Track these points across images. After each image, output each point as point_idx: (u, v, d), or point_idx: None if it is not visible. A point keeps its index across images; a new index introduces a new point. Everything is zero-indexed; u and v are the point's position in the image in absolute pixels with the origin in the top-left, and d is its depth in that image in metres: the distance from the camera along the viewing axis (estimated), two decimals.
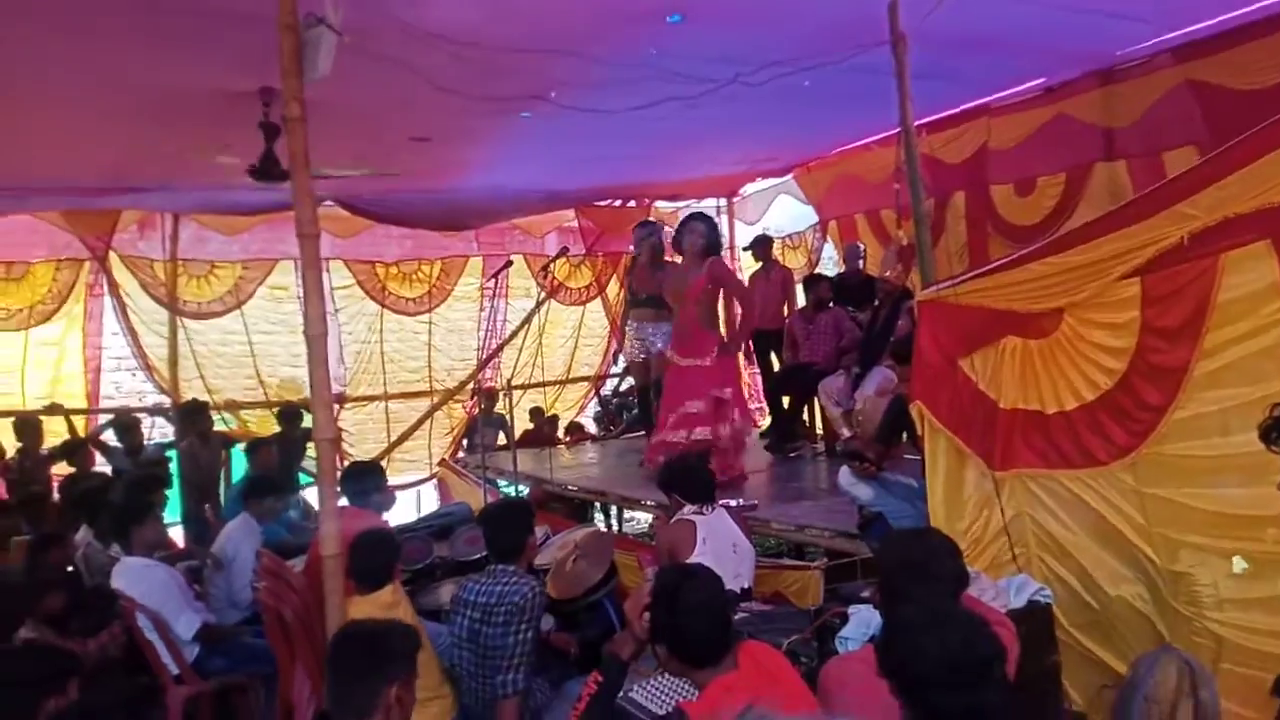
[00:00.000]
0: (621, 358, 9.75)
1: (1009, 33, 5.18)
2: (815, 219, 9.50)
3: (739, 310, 6.86)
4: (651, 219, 8.60)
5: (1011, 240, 6.60)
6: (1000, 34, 5.18)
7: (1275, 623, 2.84)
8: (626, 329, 7.54)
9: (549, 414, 10.24)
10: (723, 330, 6.72)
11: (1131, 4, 4.90)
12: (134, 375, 8.59)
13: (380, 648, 2.29)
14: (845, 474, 4.56)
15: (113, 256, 8.19)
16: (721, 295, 6.70)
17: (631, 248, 7.39)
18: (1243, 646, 2.93)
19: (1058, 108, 6.45)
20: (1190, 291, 2.93)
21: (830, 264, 9.78)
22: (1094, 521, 3.32)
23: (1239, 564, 2.99)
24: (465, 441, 9.80)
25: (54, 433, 7.60)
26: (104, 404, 8.40)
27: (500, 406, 9.06)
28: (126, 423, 7.61)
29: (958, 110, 7.02)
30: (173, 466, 7.35)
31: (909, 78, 4.15)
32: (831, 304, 7.39)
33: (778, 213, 10.10)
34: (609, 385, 11.03)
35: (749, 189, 10.21)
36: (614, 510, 8.61)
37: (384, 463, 9.12)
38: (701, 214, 6.82)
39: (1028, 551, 3.56)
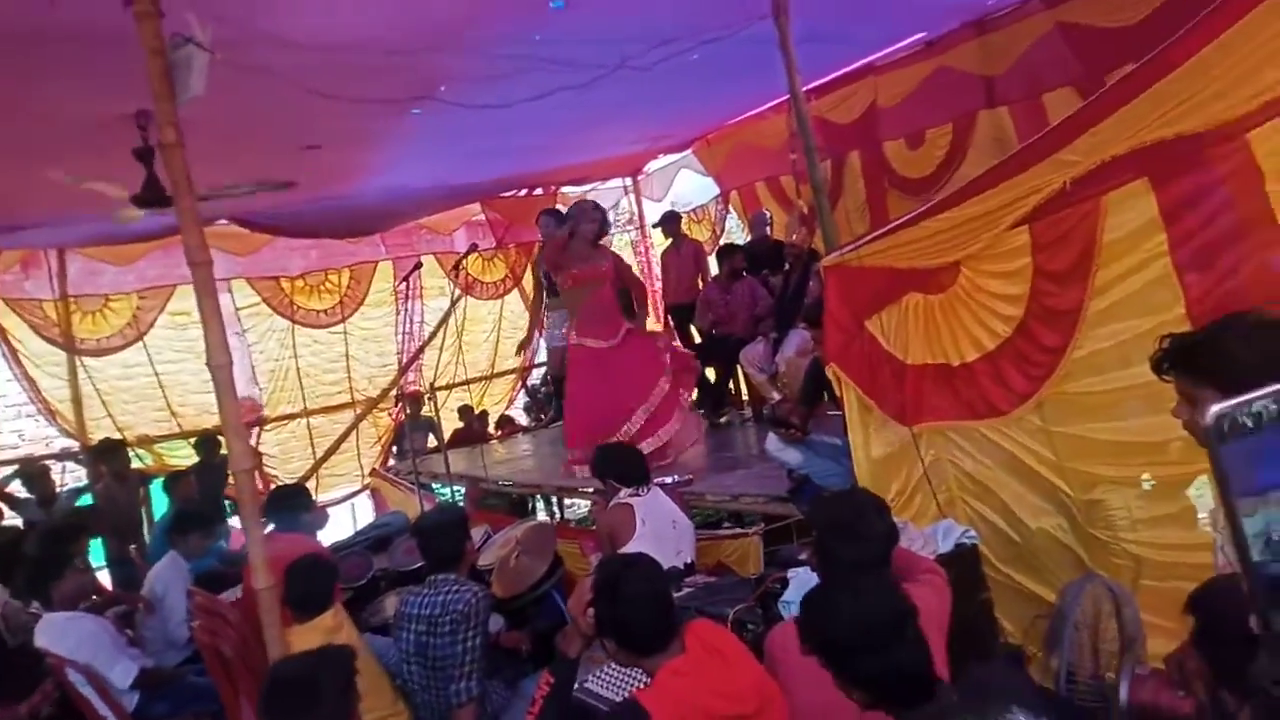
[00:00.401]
0: (542, 342, 9.56)
1: None
2: (717, 191, 9.59)
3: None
4: (558, 206, 8.56)
5: (907, 193, 6.79)
6: None
7: (1185, 536, 3.00)
8: (546, 320, 7.47)
9: (478, 410, 10.16)
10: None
11: None
12: (37, 422, 8.20)
13: (310, 692, 2.23)
14: (772, 440, 4.65)
15: None
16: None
17: (541, 237, 7.30)
18: (1159, 562, 3.09)
19: (938, 60, 6.63)
20: (1076, 234, 3.03)
21: (737, 233, 9.88)
22: (1008, 460, 3.46)
23: (1147, 482, 3.15)
24: (395, 448, 9.66)
25: None
26: (8, 454, 8.01)
27: (426, 409, 8.95)
28: (33, 472, 7.25)
29: (845, 71, 7.16)
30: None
31: (793, 47, 4.20)
32: (745, 273, 7.48)
33: (681, 187, 10.17)
34: (536, 375, 10.99)
35: (652, 166, 10.24)
36: (554, 500, 8.62)
37: (312, 480, 8.96)
38: (595, 202, 6.78)
39: (950, 494, 3.69)
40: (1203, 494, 2.61)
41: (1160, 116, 2.79)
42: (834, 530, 2.54)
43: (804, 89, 4.40)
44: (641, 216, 10.75)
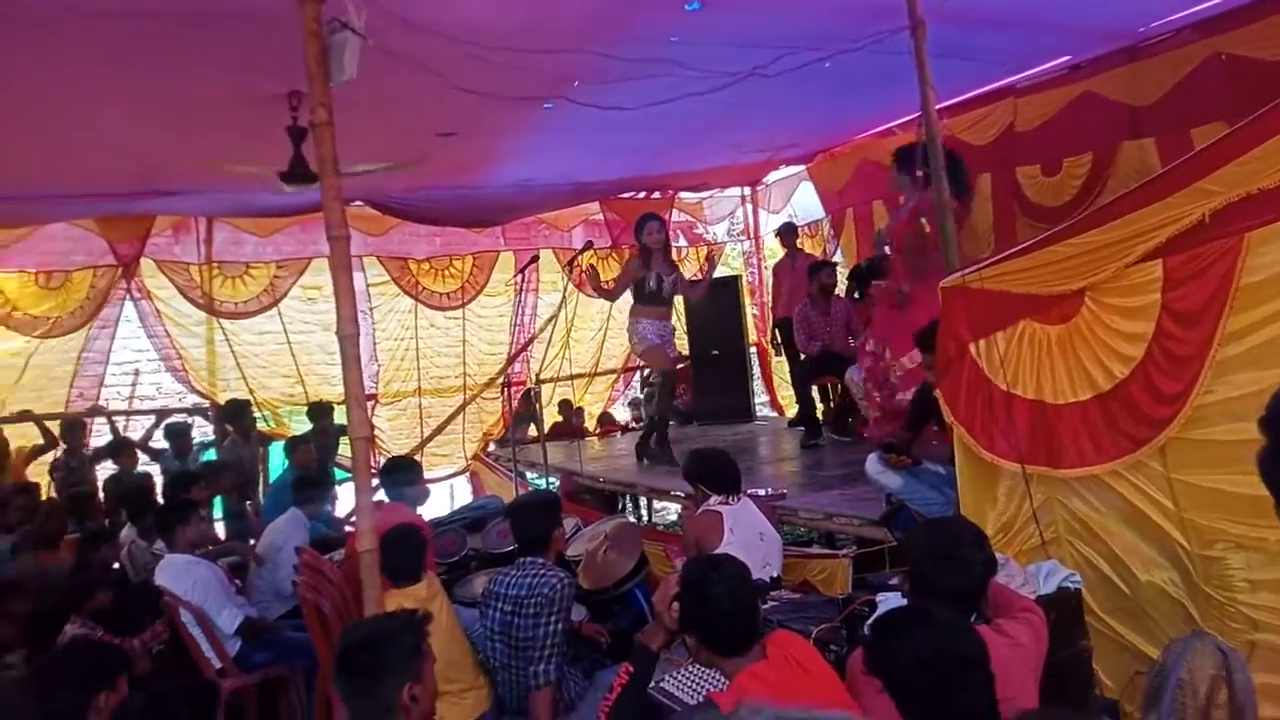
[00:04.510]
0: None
1: (1033, 10, 5.13)
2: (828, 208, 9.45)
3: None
4: (675, 211, 8.60)
5: (1039, 221, 6.53)
6: (1024, 11, 5.13)
7: None
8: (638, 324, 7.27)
9: (577, 406, 10.30)
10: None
11: None
12: (173, 377, 8.75)
13: (382, 653, 2.29)
14: (873, 462, 4.53)
15: (148, 261, 8.32)
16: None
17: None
18: (1278, 627, 2.90)
19: (1083, 86, 6.36)
20: (1211, 274, 2.86)
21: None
22: (1123, 506, 3.29)
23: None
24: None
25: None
26: (147, 404, 8.58)
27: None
28: (178, 429, 7.80)
29: (982, 91, 6.95)
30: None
31: (928, 63, 4.11)
32: (858, 294, 7.40)
33: (801, 200, 10.06)
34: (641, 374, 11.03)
35: (772, 177, 10.18)
36: (643, 501, 8.67)
37: (417, 457, 9.25)
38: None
39: (1057, 534, 3.53)
40: None
41: None
42: (930, 557, 2.49)
43: (938, 106, 4.30)
44: (757, 227, 10.70)
